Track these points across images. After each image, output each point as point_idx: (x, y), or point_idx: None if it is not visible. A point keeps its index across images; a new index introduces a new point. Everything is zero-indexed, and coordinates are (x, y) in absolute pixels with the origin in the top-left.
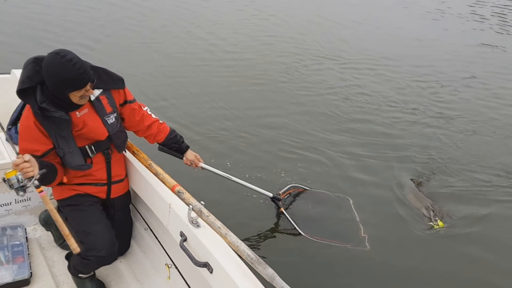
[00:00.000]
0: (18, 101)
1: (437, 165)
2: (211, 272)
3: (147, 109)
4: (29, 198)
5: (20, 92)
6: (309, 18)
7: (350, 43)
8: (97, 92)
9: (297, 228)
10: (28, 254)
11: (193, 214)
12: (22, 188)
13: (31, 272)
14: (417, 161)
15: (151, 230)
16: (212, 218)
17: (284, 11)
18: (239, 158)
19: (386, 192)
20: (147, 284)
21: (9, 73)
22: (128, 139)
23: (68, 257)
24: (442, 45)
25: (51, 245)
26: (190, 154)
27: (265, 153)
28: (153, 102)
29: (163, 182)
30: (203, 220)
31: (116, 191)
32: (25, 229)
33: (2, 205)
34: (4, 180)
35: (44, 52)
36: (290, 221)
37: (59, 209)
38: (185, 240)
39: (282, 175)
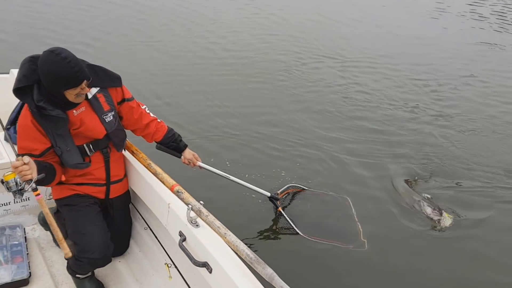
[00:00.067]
0: (17, 100)
1: (437, 164)
2: (210, 272)
3: (145, 108)
4: (28, 198)
5: (17, 91)
6: (309, 16)
7: (350, 41)
8: (94, 90)
9: (295, 227)
10: (27, 254)
11: (192, 214)
12: (20, 192)
13: (30, 272)
14: (417, 160)
15: (150, 229)
16: (211, 217)
17: (284, 9)
18: (239, 157)
19: (385, 192)
20: (147, 284)
21: (8, 73)
22: (127, 140)
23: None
24: (442, 44)
25: (50, 245)
26: (188, 153)
27: (265, 151)
28: (152, 100)
29: (162, 182)
30: (202, 219)
31: (115, 191)
32: (24, 229)
33: (1, 205)
34: (2, 182)
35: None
36: (287, 220)
37: (57, 209)
38: (184, 240)
39: (283, 174)
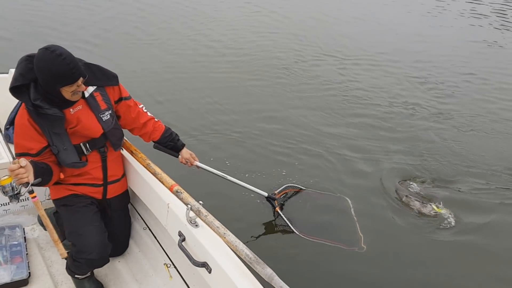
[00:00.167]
0: (16, 100)
1: (436, 163)
2: (209, 272)
3: (142, 107)
4: (27, 198)
5: (14, 90)
6: (310, 15)
7: (350, 39)
8: (91, 89)
9: (292, 227)
10: (27, 254)
11: (192, 214)
12: (16, 196)
13: (29, 272)
14: (417, 159)
15: (149, 229)
16: (210, 217)
17: (284, 7)
18: (238, 156)
19: (385, 192)
20: (146, 284)
21: (7, 73)
22: (127, 139)
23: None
24: (442, 41)
25: (50, 245)
26: (185, 153)
27: (264, 151)
28: (151, 98)
29: (162, 182)
30: (202, 219)
31: (113, 191)
32: (23, 229)
33: (0, 205)
34: None
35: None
36: (285, 220)
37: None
38: (184, 240)
39: (284, 174)
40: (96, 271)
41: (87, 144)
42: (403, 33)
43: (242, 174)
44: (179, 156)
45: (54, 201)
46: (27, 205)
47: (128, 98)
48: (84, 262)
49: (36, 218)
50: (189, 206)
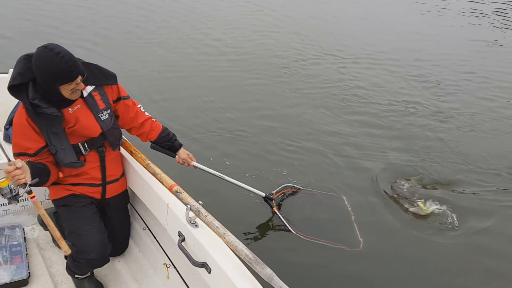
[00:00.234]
0: (16, 100)
1: (436, 161)
2: (209, 272)
3: (140, 107)
4: (27, 198)
5: (12, 89)
6: (310, 14)
7: (350, 38)
8: (89, 88)
9: (289, 227)
10: (26, 254)
11: (191, 214)
12: (15, 198)
13: (29, 272)
14: (416, 158)
15: (149, 229)
16: (210, 218)
17: (286, 7)
18: (237, 155)
19: (383, 191)
20: (146, 284)
21: (7, 73)
22: (126, 139)
23: (67, 256)
24: (442, 40)
25: (49, 245)
26: (183, 153)
27: (264, 149)
28: (151, 97)
29: (161, 182)
30: (201, 220)
31: (112, 191)
32: (23, 229)
33: (0, 205)
34: None
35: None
36: (282, 220)
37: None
38: (183, 240)
39: (284, 173)
40: (96, 271)
41: (85, 144)
42: (403, 32)
43: (242, 173)
44: (176, 156)
45: (54, 201)
46: (26, 205)
47: (127, 97)
48: (84, 262)
49: (36, 218)
50: (189, 206)
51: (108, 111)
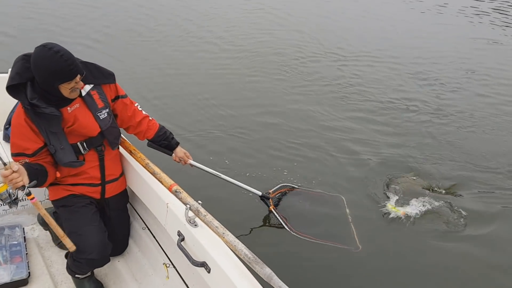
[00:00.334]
0: (15, 100)
1: (436, 162)
2: (208, 272)
3: (137, 105)
4: (26, 199)
5: (11, 89)
6: (311, 12)
7: (350, 37)
8: (88, 87)
9: (285, 226)
10: (26, 254)
11: (191, 214)
12: (14, 202)
13: (29, 272)
14: (416, 157)
15: (149, 229)
16: (209, 217)
17: (287, 5)
18: (237, 153)
19: (381, 191)
20: (145, 283)
21: (7, 72)
22: (126, 139)
23: (67, 256)
24: (442, 38)
25: (49, 244)
26: (179, 151)
27: (264, 147)
28: (151, 95)
29: (161, 182)
30: (201, 219)
31: (111, 190)
32: (23, 228)
33: None
34: None
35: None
36: (279, 219)
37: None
38: (183, 239)
39: (285, 173)
40: (96, 270)
41: (84, 143)
42: (404, 30)
43: (241, 172)
44: (173, 155)
45: (53, 202)
46: (26, 205)
47: (125, 96)
48: (84, 262)
49: (36, 218)
50: (188, 205)
51: (107, 110)
